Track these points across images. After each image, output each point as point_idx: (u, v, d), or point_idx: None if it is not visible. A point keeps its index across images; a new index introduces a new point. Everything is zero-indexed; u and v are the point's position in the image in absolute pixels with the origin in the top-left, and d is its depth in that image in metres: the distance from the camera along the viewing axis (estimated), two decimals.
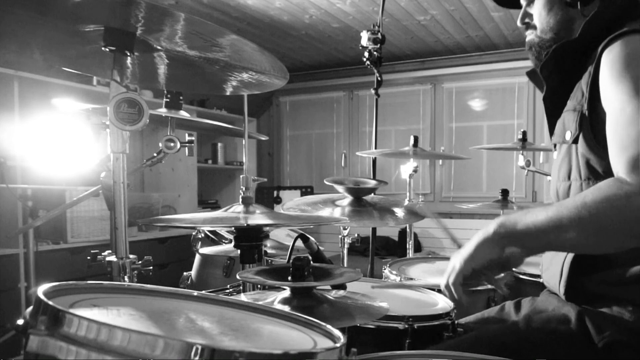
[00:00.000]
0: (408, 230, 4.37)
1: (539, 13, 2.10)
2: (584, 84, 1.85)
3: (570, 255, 1.91)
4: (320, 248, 2.23)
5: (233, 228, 2.13)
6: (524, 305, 2.21)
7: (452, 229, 2.11)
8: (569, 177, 1.95)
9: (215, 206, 8.55)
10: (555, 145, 2.12)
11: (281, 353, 0.96)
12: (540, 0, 2.09)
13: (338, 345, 1.10)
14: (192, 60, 2.12)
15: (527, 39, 2.19)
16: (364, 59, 4.11)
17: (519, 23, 2.22)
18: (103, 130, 2.02)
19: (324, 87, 9.61)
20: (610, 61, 1.73)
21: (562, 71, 2.01)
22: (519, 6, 2.25)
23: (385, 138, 8.82)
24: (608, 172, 1.74)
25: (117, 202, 1.97)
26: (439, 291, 2.52)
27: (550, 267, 2.05)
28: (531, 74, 2.25)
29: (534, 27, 2.14)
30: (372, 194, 2.92)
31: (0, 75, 5.20)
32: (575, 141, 1.87)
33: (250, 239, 2.00)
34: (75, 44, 2.03)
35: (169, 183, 7.67)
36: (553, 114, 2.09)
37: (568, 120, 1.93)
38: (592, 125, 1.81)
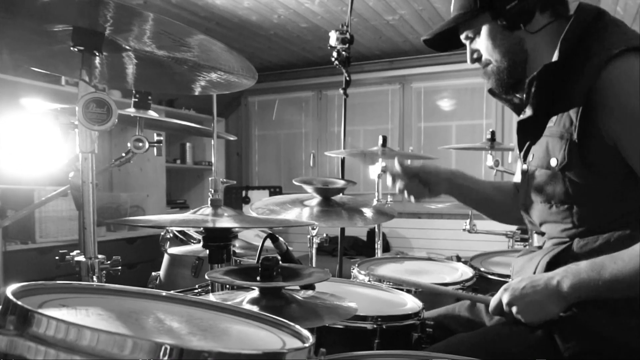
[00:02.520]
0: (377, 230, 4.38)
1: (485, 47, 2.10)
2: (572, 112, 1.85)
3: (546, 259, 1.93)
4: (289, 248, 2.23)
5: (202, 228, 2.13)
6: None
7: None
8: (549, 201, 1.99)
9: (183, 206, 8.53)
10: (524, 160, 2.13)
11: (250, 353, 0.96)
12: (483, 34, 2.09)
13: (307, 345, 1.11)
14: (161, 60, 2.11)
15: (483, 72, 2.18)
16: (333, 59, 4.10)
17: (469, 63, 2.21)
18: (71, 130, 2.00)
19: (293, 87, 9.61)
20: (622, 87, 1.75)
21: (542, 94, 1.98)
22: (456, 48, 2.27)
23: (354, 138, 8.83)
24: (594, 197, 1.84)
25: (85, 202, 1.96)
26: (408, 291, 2.54)
27: (522, 271, 2.07)
28: (491, 91, 2.24)
29: (488, 61, 2.13)
30: (341, 194, 2.92)
31: None
32: (564, 169, 1.88)
33: (218, 239, 2.01)
34: (44, 44, 2.02)
35: (138, 183, 7.63)
36: (528, 136, 2.10)
37: (553, 147, 1.93)
38: (582, 154, 1.83)
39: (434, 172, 2.43)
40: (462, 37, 2.20)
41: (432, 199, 2.48)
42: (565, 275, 1.77)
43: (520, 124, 2.10)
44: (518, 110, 2.18)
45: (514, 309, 1.86)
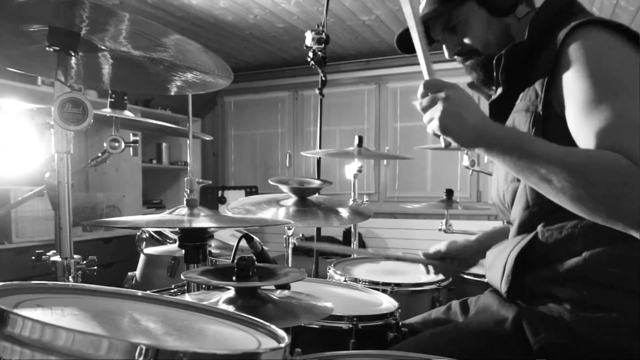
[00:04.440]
0: (352, 230, 4.39)
1: (476, 34, 2.07)
2: (538, 84, 1.84)
3: (515, 252, 1.91)
4: (265, 248, 2.23)
5: (178, 229, 2.13)
6: (470, 305, 2.23)
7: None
8: (513, 180, 1.97)
9: (160, 206, 8.51)
10: None
11: (225, 353, 0.97)
12: (474, 23, 2.06)
13: (282, 345, 1.11)
14: (137, 60, 2.11)
15: (467, 64, 2.15)
16: (309, 59, 4.10)
17: (450, 56, 2.18)
18: (47, 130, 2.00)
19: (269, 87, 9.59)
20: (577, 57, 1.73)
21: (511, 74, 1.97)
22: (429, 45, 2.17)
23: (330, 138, 8.83)
24: None
25: (61, 202, 1.96)
26: (384, 291, 2.55)
27: (494, 265, 2.06)
28: (472, 85, 2.23)
29: (474, 51, 2.11)
30: (317, 194, 2.93)
31: None
32: None
33: (194, 239, 2.01)
34: (20, 44, 2.01)
35: (114, 183, 7.60)
36: (498, 117, 2.05)
37: (519, 121, 1.90)
38: (545, 125, 1.81)
39: (461, 250, 2.55)
40: (438, 32, 2.17)
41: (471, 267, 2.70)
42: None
43: (491, 105, 2.08)
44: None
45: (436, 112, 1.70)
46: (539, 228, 1.89)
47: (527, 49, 1.93)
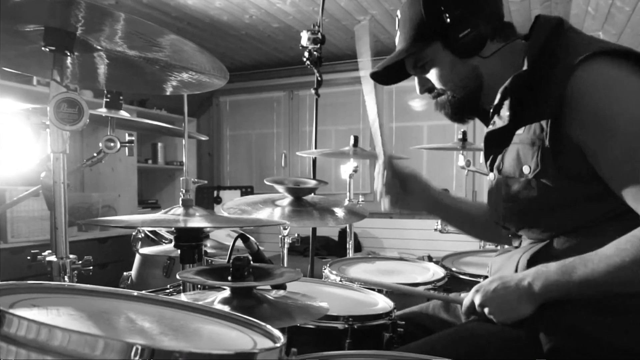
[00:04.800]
0: (348, 230, 4.40)
1: (439, 76, 2.08)
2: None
3: (525, 258, 1.92)
4: (261, 248, 2.23)
5: (173, 228, 2.13)
6: None
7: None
8: (523, 209, 1.97)
9: (155, 206, 8.51)
10: (491, 169, 2.12)
11: (221, 353, 0.97)
12: (439, 64, 2.06)
13: (278, 345, 1.11)
14: (132, 60, 2.11)
15: (435, 102, 2.16)
16: (304, 59, 4.10)
17: (420, 92, 2.20)
18: (43, 130, 2.00)
19: (264, 87, 9.59)
20: (591, 98, 1.74)
21: (514, 107, 1.94)
22: (401, 79, 2.27)
23: (326, 138, 8.83)
24: (570, 200, 1.83)
25: (57, 202, 1.96)
26: (380, 291, 2.55)
27: (501, 271, 2.05)
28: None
29: (442, 92, 2.12)
30: (312, 194, 2.93)
31: None
32: (538, 176, 1.86)
33: (190, 239, 2.01)
34: (15, 44, 2.01)
35: (109, 183, 7.60)
36: (495, 147, 2.08)
37: (524, 154, 1.90)
38: (555, 159, 1.81)
39: (424, 185, 2.42)
40: (410, 68, 2.18)
41: (407, 210, 2.49)
42: (537, 277, 1.77)
43: (490, 134, 2.08)
44: (485, 120, 2.16)
45: (486, 310, 1.86)
46: (553, 238, 1.91)
47: (529, 78, 1.91)
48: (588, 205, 1.82)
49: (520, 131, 1.94)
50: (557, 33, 1.92)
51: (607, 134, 1.72)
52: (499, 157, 2.05)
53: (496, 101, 1.97)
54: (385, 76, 2.24)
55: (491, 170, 2.12)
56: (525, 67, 1.90)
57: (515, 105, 1.92)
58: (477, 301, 1.89)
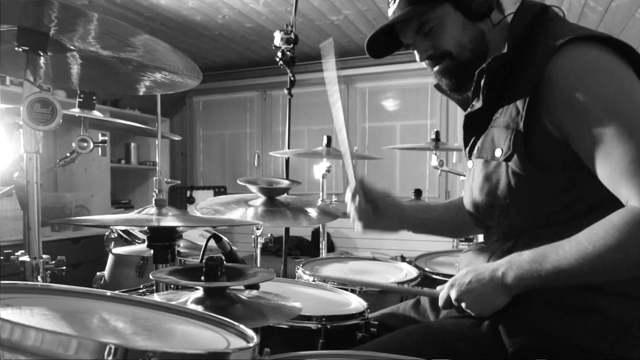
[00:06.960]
0: (321, 230, 4.41)
1: (450, 37, 2.01)
2: (519, 101, 1.83)
3: (496, 256, 1.92)
4: (233, 248, 2.23)
5: (146, 228, 2.12)
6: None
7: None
8: (494, 194, 1.96)
9: (128, 206, 8.49)
10: (470, 156, 2.12)
11: (194, 353, 0.96)
12: (449, 25, 2.01)
13: (251, 345, 1.11)
14: (105, 60, 2.10)
15: (437, 69, 2.09)
16: (277, 59, 4.11)
17: (421, 59, 2.12)
18: (16, 130, 2.00)
19: (237, 87, 9.60)
20: (568, 80, 1.74)
21: (491, 89, 1.95)
22: (396, 49, 2.22)
23: (299, 138, 8.84)
24: (537, 191, 1.83)
25: (30, 202, 1.95)
26: (353, 291, 2.55)
27: (470, 266, 2.06)
28: (438, 87, 2.20)
29: (446, 54, 2.04)
30: (285, 194, 2.93)
31: None
32: (508, 159, 1.85)
33: (163, 239, 2.00)
34: None
35: (82, 183, 7.57)
36: (474, 129, 2.08)
37: (498, 137, 1.90)
38: (527, 144, 1.81)
39: (396, 204, 2.40)
40: (410, 34, 2.10)
41: (380, 231, 2.40)
42: (510, 267, 1.77)
43: (468, 117, 2.07)
44: (464, 104, 2.16)
45: (463, 305, 1.87)
46: (524, 232, 1.91)
47: (509, 62, 1.91)
48: (553, 196, 1.83)
49: (497, 115, 1.94)
50: (541, 18, 1.94)
51: (582, 116, 1.72)
52: (478, 142, 2.04)
53: (474, 82, 1.97)
54: (380, 42, 2.18)
55: (469, 157, 2.12)
56: (504, 50, 1.90)
57: (490, 86, 1.93)
58: (453, 296, 1.89)
